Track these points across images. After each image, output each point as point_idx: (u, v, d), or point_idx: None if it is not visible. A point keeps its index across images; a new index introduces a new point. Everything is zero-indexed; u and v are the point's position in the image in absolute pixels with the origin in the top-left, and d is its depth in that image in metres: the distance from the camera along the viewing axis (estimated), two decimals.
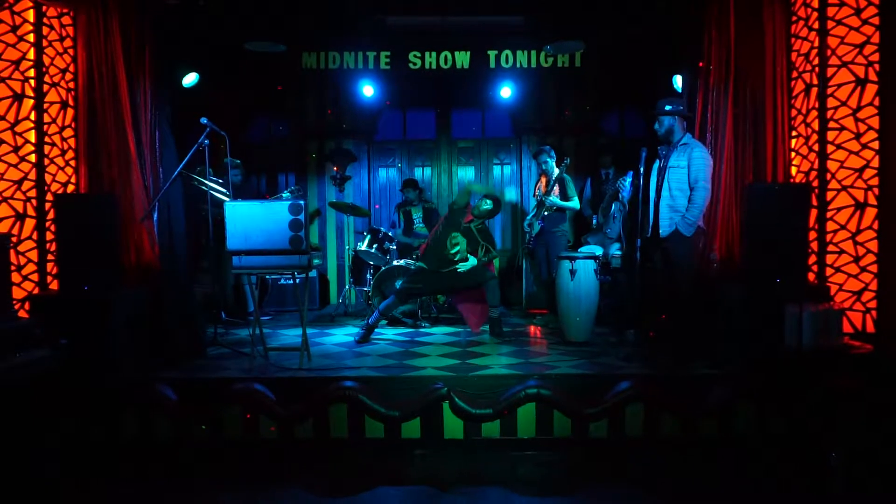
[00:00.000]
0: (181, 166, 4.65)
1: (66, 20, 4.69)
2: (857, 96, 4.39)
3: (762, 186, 4.45)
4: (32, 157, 4.46)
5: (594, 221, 6.60)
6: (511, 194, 4.88)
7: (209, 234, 5.05)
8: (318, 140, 8.03)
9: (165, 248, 4.73)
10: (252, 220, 4.31)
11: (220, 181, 5.56)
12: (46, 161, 4.55)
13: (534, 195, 6.54)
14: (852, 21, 4.39)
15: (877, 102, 4.36)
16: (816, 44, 4.50)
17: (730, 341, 4.34)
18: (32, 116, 4.46)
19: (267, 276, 6.69)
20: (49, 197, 4.54)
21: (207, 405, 4.05)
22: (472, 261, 5.46)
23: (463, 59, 6.80)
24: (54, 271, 4.56)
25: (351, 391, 4.01)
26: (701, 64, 4.77)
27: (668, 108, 4.52)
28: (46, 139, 4.55)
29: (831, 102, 4.44)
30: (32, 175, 4.47)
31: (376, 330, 5.52)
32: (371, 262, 6.56)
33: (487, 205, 5.43)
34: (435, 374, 4.29)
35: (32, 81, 4.45)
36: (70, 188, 4.73)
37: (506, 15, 6.56)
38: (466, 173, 8.32)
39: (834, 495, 3.49)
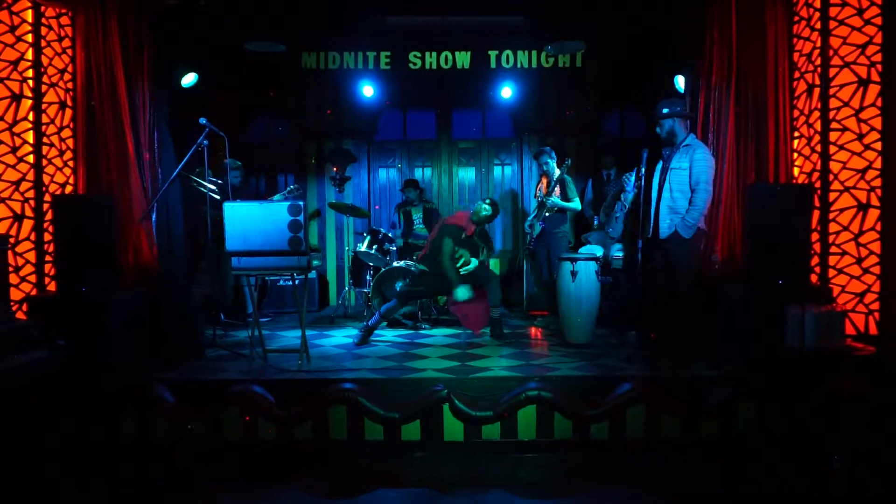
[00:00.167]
0: (180, 167, 4.63)
1: (65, 20, 4.68)
2: (860, 97, 4.37)
3: (764, 187, 4.43)
4: (31, 158, 4.45)
5: (595, 222, 6.59)
6: (463, 293, 4.90)
7: (208, 235, 5.03)
8: (317, 140, 8.01)
9: (164, 248, 4.72)
10: (251, 221, 4.29)
11: (220, 182, 5.55)
12: (45, 162, 4.53)
13: (535, 196, 6.52)
14: (854, 21, 4.37)
15: (879, 103, 4.33)
16: (818, 44, 4.48)
17: (731, 342, 4.32)
18: (31, 117, 4.44)
19: (266, 278, 6.67)
20: (47, 198, 4.53)
21: (206, 407, 4.03)
22: (475, 262, 5.43)
23: (463, 59, 6.78)
24: (52, 272, 4.54)
25: (350, 393, 3.99)
26: (703, 63, 4.75)
27: (665, 110, 4.51)
28: (45, 140, 4.53)
29: (833, 103, 4.42)
30: (30, 176, 4.45)
31: (375, 331, 5.50)
32: (371, 264, 6.54)
33: (486, 211, 5.40)
34: (435, 375, 4.27)
35: (31, 82, 4.44)
36: (68, 189, 4.72)
37: (506, 15, 6.55)
38: (467, 174, 8.30)
39: (835, 496, 3.48)
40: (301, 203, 4.30)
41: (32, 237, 4.48)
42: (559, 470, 3.84)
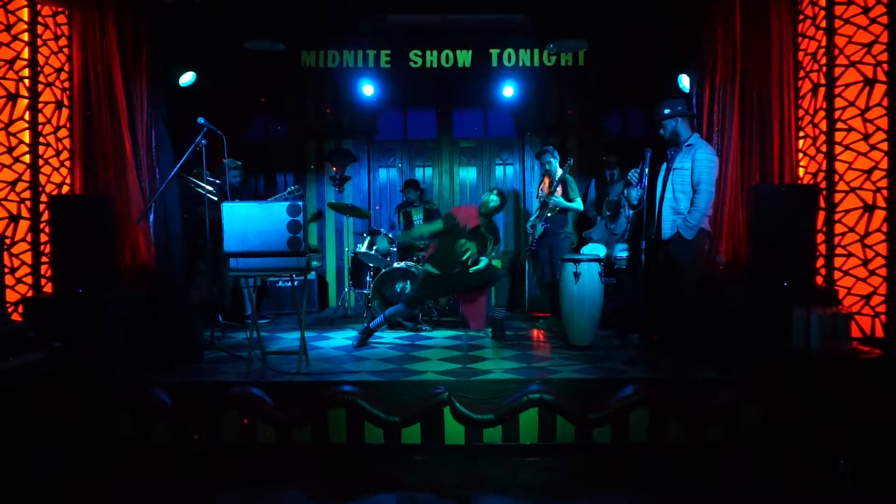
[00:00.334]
0: (178, 167, 4.59)
1: (62, 19, 4.63)
2: (866, 96, 4.32)
3: (769, 187, 4.38)
4: (27, 158, 4.40)
5: (598, 221, 6.55)
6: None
7: (206, 236, 4.99)
8: (317, 140, 7.97)
9: (161, 249, 4.67)
10: (250, 222, 4.25)
11: (218, 182, 5.50)
12: (41, 162, 4.49)
13: (537, 196, 6.47)
14: (860, 20, 4.32)
15: (885, 103, 4.28)
16: (824, 43, 4.43)
17: (735, 344, 4.27)
18: (27, 116, 4.40)
19: (266, 279, 6.63)
20: (43, 198, 4.48)
21: (204, 409, 4.00)
22: (484, 261, 5.37)
23: (464, 57, 6.73)
24: (48, 273, 4.50)
25: (350, 395, 3.95)
26: (707, 63, 4.71)
27: (666, 111, 4.48)
28: (41, 139, 4.48)
29: (839, 102, 4.37)
30: (27, 176, 4.41)
31: (376, 333, 5.45)
32: (371, 265, 6.50)
33: (495, 202, 5.32)
34: (436, 378, 4.23)
35: (27, 81, 4.40)
36: (65, 189, 4.67)
37: (507, 13, 6.50)
38: (468, 174, 8.25)
39: (840, 499, 3.45)
40: (300, 203, 4.26)
41: (29, 238, 4.44)
42: (561, 474, 3.80)
